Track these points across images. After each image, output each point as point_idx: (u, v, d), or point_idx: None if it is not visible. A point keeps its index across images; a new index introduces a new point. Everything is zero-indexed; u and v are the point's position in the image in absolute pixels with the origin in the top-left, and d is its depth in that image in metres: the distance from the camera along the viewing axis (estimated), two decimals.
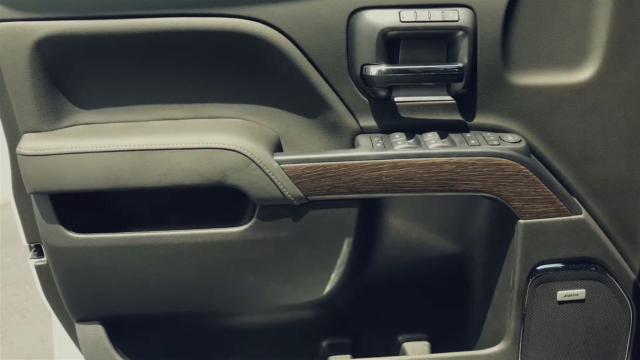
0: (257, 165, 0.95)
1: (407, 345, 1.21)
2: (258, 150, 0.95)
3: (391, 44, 0.96)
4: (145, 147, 0.94)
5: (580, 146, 1.01)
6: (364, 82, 0.97)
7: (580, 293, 1.04)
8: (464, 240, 1.14)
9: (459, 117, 1.00)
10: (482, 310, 1.16)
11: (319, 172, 0.96)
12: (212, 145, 0.94)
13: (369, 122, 1.00)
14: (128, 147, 0.94)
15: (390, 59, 0.97)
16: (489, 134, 1.00)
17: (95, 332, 1.07)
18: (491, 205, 1.06)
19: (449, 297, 1.20)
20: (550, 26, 0.97)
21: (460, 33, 0.95)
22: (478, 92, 0.98)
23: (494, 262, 1.09)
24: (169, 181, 0.95)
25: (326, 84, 0.97)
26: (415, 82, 0.97)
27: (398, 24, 0.93)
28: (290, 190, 0.96)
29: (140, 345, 1.14)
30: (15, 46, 0.92)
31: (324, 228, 1.02)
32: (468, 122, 1.01)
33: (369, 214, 1.07)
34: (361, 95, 0.98)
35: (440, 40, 0.97)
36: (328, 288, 1.07)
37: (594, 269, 1.04)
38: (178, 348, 1.19)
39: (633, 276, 1.06)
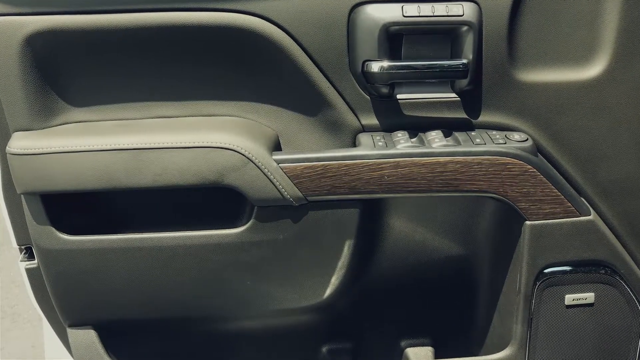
0: (255, 164, 0.93)
1: (410, 351, 1.20)
2: (256, 150, 0.93)
3: (394, 39, 0.95)
4: (139, 146, 0.93)
5: (589, 145, 1.00)
6: (366, 79, 0.96)
7: (589, 297, 1.04)
8: (468, 242, 1.12)
9: (463, 115, 0.99)
10: (487, 315, 1.15)
11: (319, 172, 0.94)
12: (209, 144, 0.93)
13: (371, 120, 0.99)
14: (122, 146, 0.93)
15: (393, 55, 0.95)
16: (494, 132, 0.98)
17: (87, 336, 1.06)
18: (497, 206, 1.05)
19: (453, 300, 1.19)
20: (558, 21, 0.96)
21: (464, 28, 0.93)
22: (483, 89, 0.97)
23: (499, 264, 1.08)
24: (164, 181, 0.94)
25: (326, 81, 0.96)
26: (419, 79, 0.96)
27: (401, 18, 0.92)
28: (290, 190, 0.94)
29: (134, 350, 1.13)
30: (5, 42, 0.90)
31: (324, 229, 1.00)
32: (473, 120, 1.00)
33: (371, 215, 1.06)
34: (363, 93, 0.97)
35: (444, 35, 0.96)
36: (328, 291, 1.06)
37: (603, 271, 1.03)
38: (173, 353, 1.17)
39: None
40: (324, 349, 1.20)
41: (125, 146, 0.92)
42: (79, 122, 0.99)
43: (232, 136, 0.94)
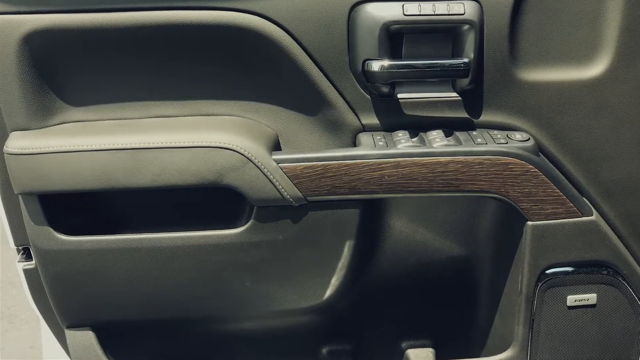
0: (254, 164, 0.93)
1: (410, 352, 1.20)
2: (255, 149, 0.93)
3: (394, 38, 0.94)
4: (137, 145, 0.92)
5: (591, 145, 0.99)
6: (366, 78, 0.95)
7: (591, 298, 1.03)
8: (469, 242, 1.12)
9: (464, 115, 0.98)
10: (488, 316, 1.14)
11: (318, 172, 0.94)
12: (208, 144, 0.92)
13: (371, 119, 0.98)
14: (120, 146, 0.92)
15: (393, 54, 0.95)
16: (496, 132, 0.98)
17: (85, 338, 1.06)
18: (498, 206, 1.04)
19: (455, 301, 1.18)
20: (559, 20, 0.95)
21: (466, 27, 0.93)
22: (485, 89, 0.97)
23: (501, 265, 1.08)
24: (162, 181, 0.93)
25: (326, 80, 0.95)
26: (419, 78, 0.96)
27: (401, 17, 0.91)
28: (289, 190, 0.94)
29: (132, 351, 1.13)
30: (2, 41, 0.90)
31: (324, 230, 1.00)
32: (474, 120, 0.99)
33: (371, 216, 1.05)
34: (363, 92, 0.97)
35: (445, 34, 0.95)
36: (328, 292, 1.05)
37: (605, 272, 1.02)
38: (172, 354, 1.17)
39: None
40: (324, 350, 1.19)
41: (124, 146, 0.92)
42: (77, 121, 0.98)
43: (231, 136, 0.93)
